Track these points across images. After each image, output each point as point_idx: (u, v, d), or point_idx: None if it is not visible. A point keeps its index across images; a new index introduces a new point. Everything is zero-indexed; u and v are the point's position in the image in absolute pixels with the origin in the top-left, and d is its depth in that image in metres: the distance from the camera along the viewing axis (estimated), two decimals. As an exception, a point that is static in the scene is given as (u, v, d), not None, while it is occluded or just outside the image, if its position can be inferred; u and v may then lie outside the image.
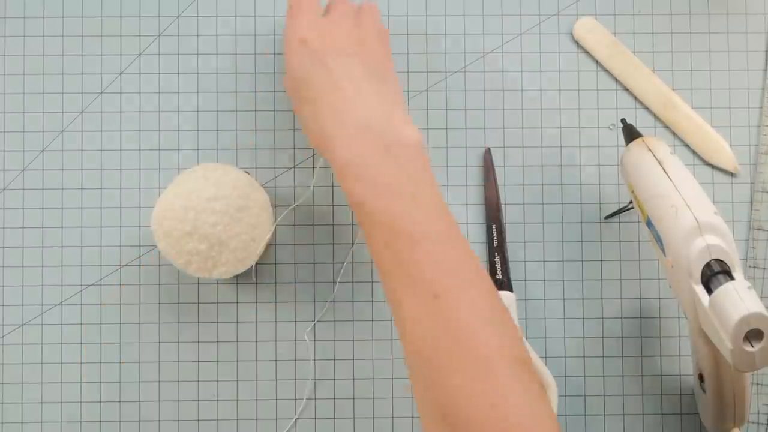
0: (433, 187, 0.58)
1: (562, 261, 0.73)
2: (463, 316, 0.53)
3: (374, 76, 0.62)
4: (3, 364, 0.72)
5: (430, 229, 0.56)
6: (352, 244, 0.73)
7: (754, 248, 0.73)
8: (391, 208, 0.56)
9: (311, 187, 0.72)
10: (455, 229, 0.57)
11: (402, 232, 0.55)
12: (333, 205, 0.73)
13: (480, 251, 0.73)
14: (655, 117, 0.74)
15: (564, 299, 0.73)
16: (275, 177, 0.73)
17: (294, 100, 0.63)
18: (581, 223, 0.73)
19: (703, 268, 0.58)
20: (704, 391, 0.65)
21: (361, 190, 0.57)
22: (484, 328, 0.53)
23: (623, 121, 0.67)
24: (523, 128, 0.74)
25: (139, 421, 0.72)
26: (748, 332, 0.55)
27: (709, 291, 0.57)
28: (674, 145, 0.74)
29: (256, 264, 0.72)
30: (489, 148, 0.73)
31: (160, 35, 0.74)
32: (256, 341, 0.72)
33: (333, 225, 0.73)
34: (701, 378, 0.64)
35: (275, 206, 0.72)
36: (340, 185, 0.60)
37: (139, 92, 0.74)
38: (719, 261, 0.58)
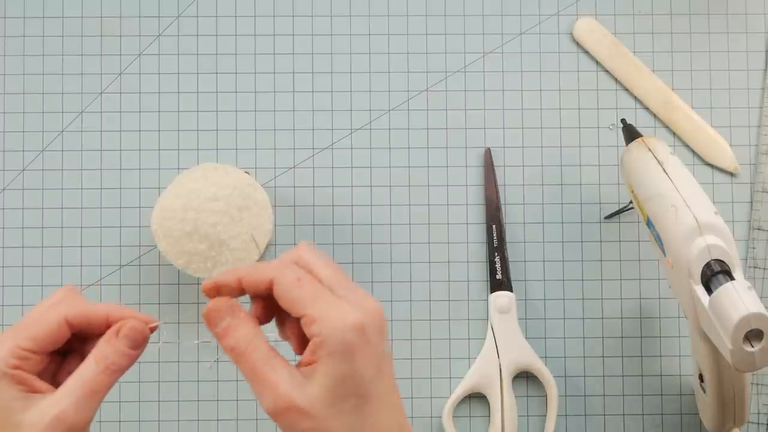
0: None
1: (562, 261, 0.73)
2: None
3: None
4: (3, 364, 0.72)
5: None
6: (352, 244, 0.73)
7: (754, 248, 0.73)
8: None
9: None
10: None
11: None
12: (333, 206, 0.73)
13: (480, 251, 0.73)
14: (655, 117, 0.74)
15: (564, 299, 0.73)
16: (275, 177, 0.73)
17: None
18: (581, 223, 0.73)
19: (703, 268, 0.58)
20: (704, 391, 0.64)
21: None
22: None
23: (623, 121, 0.67)
24: (523, 128, 0.74)
25: (139, 421, 0.72)
26: (748, 332, 0.55)
27: (709, 291, 0.57)
28: (674, 145, 0.73)
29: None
30: (489, 148, 0.73)
31: (160, 35, 0.74)
32: (256, 341, 0.72)
33: (333, 225, 0.73)
34: (701, 378, 0.64)
35: (275, 206, 0.72)
36: None
37: (139, 92, 0.74)
38: (719, 261, 0.58)
